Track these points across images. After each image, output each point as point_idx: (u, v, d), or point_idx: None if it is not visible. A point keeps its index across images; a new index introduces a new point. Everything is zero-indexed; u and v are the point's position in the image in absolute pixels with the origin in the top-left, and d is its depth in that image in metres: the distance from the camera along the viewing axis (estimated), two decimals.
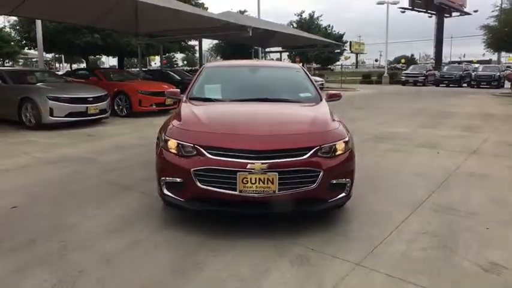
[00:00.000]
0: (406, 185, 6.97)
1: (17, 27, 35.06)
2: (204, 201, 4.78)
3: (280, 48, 43.83)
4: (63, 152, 9.50)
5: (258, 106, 6.12)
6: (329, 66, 68.76)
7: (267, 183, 4.52)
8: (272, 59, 41.72)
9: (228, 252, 4.38)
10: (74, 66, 73.80)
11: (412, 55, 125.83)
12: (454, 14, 65.43)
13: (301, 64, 41.74)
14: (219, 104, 6.35)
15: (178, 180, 4.80)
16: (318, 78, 35.66)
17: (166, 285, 3.77)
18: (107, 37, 31.69)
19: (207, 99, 6.47)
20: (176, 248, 4.52)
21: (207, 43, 56.21)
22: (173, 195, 4.90)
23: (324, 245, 4.58)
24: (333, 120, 5.54)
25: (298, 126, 5.30)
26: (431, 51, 70.59)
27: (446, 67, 50.51)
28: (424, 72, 47.15)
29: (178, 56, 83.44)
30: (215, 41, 50.47)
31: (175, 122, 5.37)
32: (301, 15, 57.89)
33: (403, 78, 47.47)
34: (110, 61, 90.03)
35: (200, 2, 38.87)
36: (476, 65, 53.42)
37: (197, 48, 38.87)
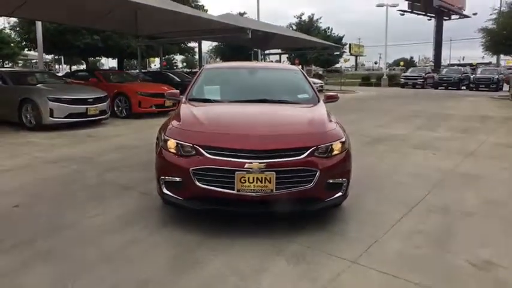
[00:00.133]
0: (402, 186, 7.06)
1: (17, 29, 35.07)
2: (203, 200, 4.87)
3: (279, 51, 44.00)
4: (64, 152, 9.58)
5: (256, 107, 6.21)
6: (338, 68, 68.61)
7: (265, 183, 4.60)
8: (271, 61, 41.84)
9: (226, 251, 4.46)
10: (74, 67, 73.81)
11: (412, 57, 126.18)
12: (453, 16, 65.60)
13: (300, 66, 41.94)
14: (218, 105, 6.43)
15: (177, 179, 4.89)
16: (317, 80, 35.76)
17: (166, 283, 3.85)
18: (107, 39, 31.78)
19: (206, 100, 6.55)
20: (175, 246, 4.60)
21: (207, 45, 56.27)
22: (172, 194, 4.98)
23: (321, 243, 4.66)
24: (330, 121, 5.62)
25: (296, 127, 5.40)
26: (430, 53, 70.67)
27: (445, 70, 50.59)
28: (423, 74, 47.23)
29: (178, 58, 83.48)
30: (215, 43, 50.52)
31: (174, 123, 5.45)
32: (301, 18, 57.88)
33: (402, 80, 47.53)
34: (109, 63, 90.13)
35: (200, 4, 39.02)
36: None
37: (197, 50, 39.01)
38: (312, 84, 7.24)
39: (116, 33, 29.98)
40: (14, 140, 11.09)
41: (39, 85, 14.01)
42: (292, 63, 45.26)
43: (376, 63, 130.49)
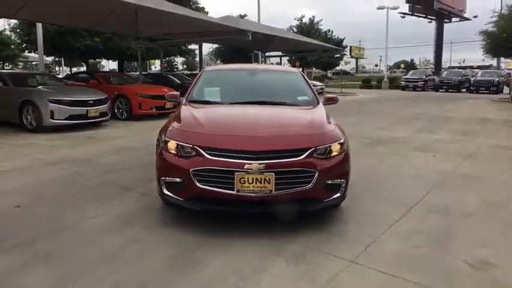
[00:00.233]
0: (401, 187, 7.09)
1: (17, 30, 35.12)
2: (203, 201, 4.89)
3: (280, 53, 43.99)
4: (64, 154, 9.61)
5: (256, 109, 6.24)
6: (345, 70, 68.37)
7: (264, 183, 4.63)
8: (272, 64, 41.87)
9: (226, 251, 4.49)
10: (74, 69, 73.87)
11: (412, 60, 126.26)
12: (453, 19, 65.69)
13: (301, 69, 41.96)
14: (218, 106, 6.46)
15: (177, 180, 4.92)
16: (317, 83, 35.81)
17: (166, 282, 3.87)
18: (107, 40, 31.81)
19: (206, 102, 6.59)
20: (175, 246, 4.62)
21: (207, 47, 56.37)
22: (172, 195, 5.01)
23: (320, 243, 4.69)
24: (329, 122, 5.65)
25: (295, 128, 5.43)
26: (431, 56, 70.70)
27: (445, 72, 50.63)
28: (424, 77, 47.29)
29: (179, 60, 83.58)
30: (215, 45, 50.59)
31: (175, 124, 5.49)
32: (301, 20, 58.00)
33: (403, 83, 47.59)
34: (109, 65, 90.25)
35: (200, 6, 39.07)
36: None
37: (197, 52, 39.04)
38: (312, 86, 7.27)
39: (116, 35, 30.03)
40: (15, 142, 11.13)
41: (39, 87, 14.05)
42: (293, 66, 45.34)
43: (376, 65, 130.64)
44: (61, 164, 8.57)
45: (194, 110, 5.96)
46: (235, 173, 4.63)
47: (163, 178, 5.08)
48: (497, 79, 40.96)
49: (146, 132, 12.98)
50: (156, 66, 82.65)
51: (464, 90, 43.33)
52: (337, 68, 67.56)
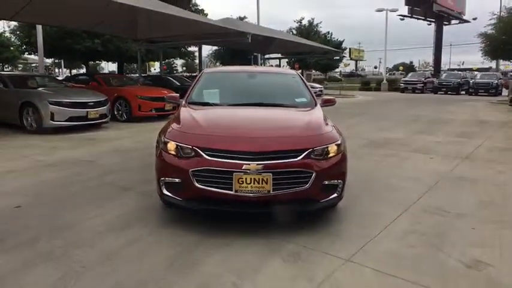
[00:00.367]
0: (398, 188, 7.16)
1: (17, 32, 35.17)
2: (202, 201, 4.97)
3: (279, 55, 44.03)
4: (64, 155, 9.68)
5: (254, 110, 6.32)
6: (354, 72, 68.16)
7: (262, 184, 4.70)
8: (271, 66, 41.90)
9: (224, 250, 4.56)
10: (74, 71, 73.91)
11: (411, 62, 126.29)
12: (453, 21, 65.68)
13: (300, 71, 41.98)
14: (217, 108, 6.54)
15: (177, 180, 4.99)
16: (316, 85, 35.84)
17: (165, 280, 3.94)
18: (107, 42, 31.86)
19: (205, 104, 6.66)
20: (175, 245, 4.69)
21: (207, 49, 56.51)
22: (172, 195, 5.09)
23: (316, 243, 4.76)
24: (326, 124, 5.73)
25: (293, 130, 5.50)
26: (430, 58, 70.76)
27: (444, 74, 50.65)
28: (423, 79, 47.25)
29: (178, 62, 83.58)
30: (215, 47, 50.64)
31: (174, 125, 5.56)
32: (301, 22, 58.06)
33: (402, 85, 47.52)
34: (109, 66, 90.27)
35: (200, 8, 39.13)
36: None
37: (197, 54, 39.13)
38: (310, 88, 7.34)
39: (116, 37, 30.08)
40: (15, 143, 11.20)
41: (40, 89, 14.16)
42: (292, 68, 45.38)
43: (375, 67, 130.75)
44: (61, 165, 8.64)
45: (193, 112, 6.03)
46: (234, 174, 4.70)
47: (162, 178, 5.15)
48: (496, 81, 40.95)
49: (146, 133, 13.06)
50: (155, 68, 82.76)
51: (463, 92, 43.29)
52: (336, 70, 67.55)
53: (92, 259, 4.34)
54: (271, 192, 4.74)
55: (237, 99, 6.78)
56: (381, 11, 49.95)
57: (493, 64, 60.69)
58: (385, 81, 52.78)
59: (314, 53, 41.65)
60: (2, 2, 15.40)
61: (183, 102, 6.67)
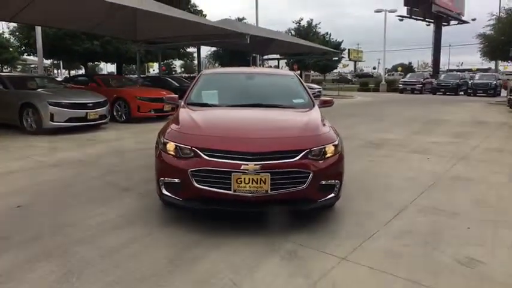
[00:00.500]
0: (395, 188, 7.25)
1: (17, 34, 35.23)
2: (201, 201, 5.05)
3: (278, 56, 44.11)
4: (64, 155, 9.76)
5: (252, 111, 6.40)
6: (366, 73, 67.93)
7: (260, 183, 4.79)
8: (270, 66, 41.95)
9: (222, 249, 4.65)
10: (73, 72, 73.92)
11: (410, 63, 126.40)
12: (452, 22, 65.74)
13: (298, 72, 42.07)
14: (216, 109, 6.63)
15: (176, 180, 5.07)
16: (315, 86, 35.92)
17: (165, 277, 4.03)
18: (106, 44, 31.94)
19: (204, 105, 6.74)
20: (174, 244, 4.78)
21: (206, 50, 56.46)
22: (171, 195, 5.17)
23: (313, 241, 4.85)
24: (324, 125, 5.81)
25: (290, 130, 5.59)
26: (429, 59, 70.83)
27: (443, 75, 50.73)
28: (422, 80, 47.39)
29: (177, 63, 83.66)
30: (213, 48, 50.70)
31: (173, 126, 5.64)
32: (300, 23, 58.12)
33: (401, 86, 47.65)
34: (108, 67, 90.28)
35: (199, 9, 39.18)
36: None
37: (195, 55, 39.15)
38: (308, 89, 7.42)
39: (115, 38, 30.15)
40: (16, 144, 11.28)
41: (39, 90, 14.23)
42: (291, 69, 45.50)
43: (374, 68, 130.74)
44: (61, 165, 8.72)
45: (192, 113, 6.11)
46: (232, 174, 4.78)
47: (162, 179, 5.23)
48: (494, 82, 41.02)
49: (145, 134, 13.14)
50: (154, 69, 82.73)
51: (462, 93, 43.39)
52: (335, 70, 67.58)
53: (94, 256, 4.43)
54: (269, 192, 4.83)
55: (235, 100, 6.86)
56: (380, 11, 50.03)
57: (492, 65, 60.76)
58: (383, 82, 52.87)
59: (313, 53, 41.73)
60: (2, 3, 15.48)
61: (182, 103, 6.75)
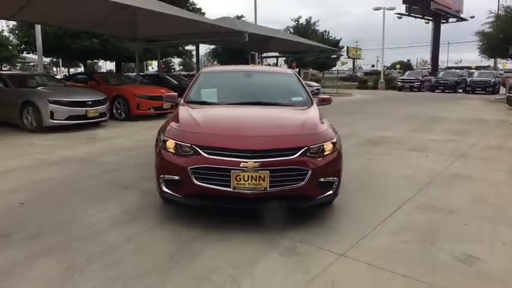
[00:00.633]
0: (393, 185, 7.30)
1: (16, 32, 35.22)
2: (200, 198, 5.10)
3: (277, 54, 44.12)
4: (64, 153, 9.80)
5: (251, 109, 6.45)
6: (377, 70, 67.57)
7: (259, 181, 4.83)
8: (269, 64, 41.98)
9: (222, 245, 4.70)
10: (72, 70, 73.90)
11: (409, 60, 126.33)
12: (450, 20, 65.70)
13: (297, 70, 42.08)
14: (215, 107, 6.67)
15: (176, 177, 5.12)
16: (314, 83, 35.95)
17: (166, 272, 4.08)
18: (105, 42, 31.94)
19: (203, 103, 6.79)
20: (174, 240, 4.83)
21: (204, 48, 56.38)
22: (171, 192, 5.21)
23: (312, 238, 4.90)
24: (322, 122, 5.86)
25: (289, 128, 5.63)
26: (428, 56, 70.88)
27: (441, 73, 50.76)
28: (420, 78, 47.44)
29: (176, 61, 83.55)
30: (212, 46, 50.71)
31: (173, 124, 5.69)
32: (298, 21, 58.14)
33: (399, 83, 47.70)
34: (107, 65, 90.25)
35: (197, 7, 39.19)
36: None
37: (194, 53, 39.14)
38: (306, 87, 7.46)
39: (114, 36, 30.16)
40: (16, 142, 11.33)
41: (39, 88, 14.29)
42: (290, 67, 45.49)
43: (373, 66, 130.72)
44: (62, 163, 8.77)
45: (192, 111, 6.15)
46: (232, 171, 4.83)
47: (162, 176, 5.27)
48: (493, 80, 41.06)
49: (144, 132, 13.19)
50: (153, 67, 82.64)
51: (461, 90, 43.40)
52: (334, 68, 67.63)
53: (95, 252, 4.47)
54: (268, 189, 4.87)
55: (234, 98, 6.90)
56: (379, 9, 50.10)
57: (491, 62, 60.82)
58: (382, 79, 52.90)
59: (311, 51, 41.74)
60: (2, 1, 15.49)
61: (182, 101, 6.79)
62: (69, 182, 7.38)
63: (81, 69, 61.69)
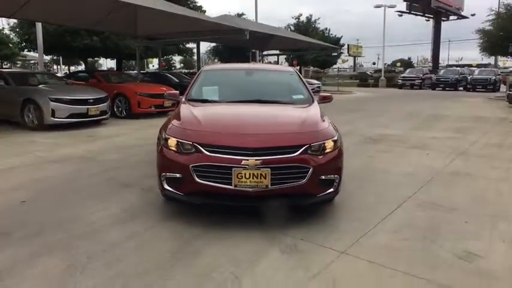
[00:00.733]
0: (394, 183, 7.31)
1: (17, 30, 35.24)
2: (202, 195, 5.12)
3: (277, 51, 44.11)
4: (66, 151, 9.81)
5: (252, 107, 6.47)
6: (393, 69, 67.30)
7: (260, 178, 4.85)
8: (270, 62, 41.97)
9: (223, 242, 4.71)
10: (72, 68, 73.90)
11: (409, 58, 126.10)
12: (451, 17, 65.73)
13: (298, 67, 42.06)
14: (216, 105, 6.68)
15: (177, 175, 5.13)
16: (315, 81, 35.94)
17: (167, 270, 4.10)
18: (106, 39, 31.97)
19: (204, 101, 6.80)
20: (176, 238, 4.85)
21: (205, 46, 56.33)
22: (173, 190, 5.23)
23: (313, 236, 4.91)
24: (323, 120, 5.87)
25: (290, 126, 5.65)
26: (429, 54, 70.82)
27: (442, 71, 50.72)
28: (421, 75, 47.43)
29: (176, 59, 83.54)
30: (213, 44, 50.68)
31: (175, 122, 5.70)
32: (299, 19, 58.02)
33: (400, 81, 47.69)
34: (107, 63, 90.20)
35: (198, 4, 39.20)
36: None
37: (195, 51, 39.14)
38: (307, 85, 7.47)
39: (114, 34, 30.18)
40: (18, 140, 11.34)
41: (40, 86, 14.27)
42: (291, 64, 45.45)
43: (374, 63, 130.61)
44: (63, 161, 8.78)
45: (193, 109, 6.17)
46: (233, 169, 4.84)
47: (164, 174, 5.29)
48: (493, 77, 41.01)
49: (145, 130, 13.21)
50: (153, 64, 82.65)
51: (461, 88, 43.36)
52: (335, 66, 67.52)
53: (96, 251, 4.49)
54: (269, 186, 4.88)
55: (235, 96, 6.91)
56: (379, 7, 50.06)
57: (492, 60, 60.75)
58: (383, 77, 52.88)
59: (312, 49, 41.72)
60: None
61: (183, 99, 6.80)
62: (70, 180, 7.39)
63: (81, 67, 61.70)
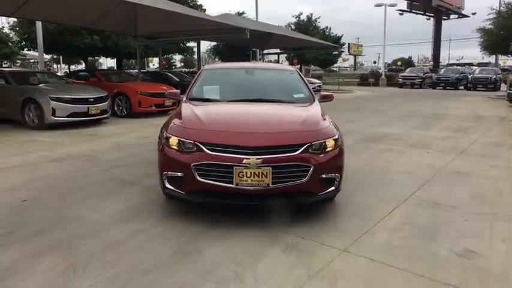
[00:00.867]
0: (394, 182, 7.33)
1: (17, 29, 35.24)
2: (203, 194, 5.14)
3: (278, 50, 44.09)
4: (67, 150, 9.83)
5: (253, 106, 6.49)
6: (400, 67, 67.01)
7: (261, 177, 4.87)
8: (270, 61, 41.97)
9: (225, 241, 4.74)
10: (72, 67, 73.91)
11: (410, 57, 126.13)
12: (452, 16, 65.77)
13: (298, 66, 42.06)
14: (217, 104, 6.71)
15: (179, 174, 5.15)
16: (315, 80, 35.93)
17: (169, 268, 4.12)
18: (106, 39, 31.98)
19: (205, 100, 6.82)
20: (177, 236, 4.87)
21: (205, 45, 56.34)
22: (174, 189, 5.25)
23: (314, 234, 4.94)
24: (324, 119, 5.89)
25: (291, 125, 5.67)
26: (429, 53, 70.85)
27: (443, 69, 50.66)
28: (421, 74, 47.36)
29: (177, 58, 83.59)
30: (213, 43, 50.69)
31: (176, 121, 5.72)
32: (299, 17, 58.01)
33: (401, 80, 47.64)
34: (108, 62, 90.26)
35: (198, 4, 39.20)
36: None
37: (195, 49, 39.17)
38: (308, 84, 7.48)
39: (115, 33, 30.20)
40: (18, 139, 11.35)
41: (41, 85, 14.28)
42: (291, 63, 45.48)
43: (374, 62, 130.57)
44: (64, 160, 8.80)
45: (194, 108, 6.18)
46: (234, 168, 4.86)
47: (165, 173, 5.31)
48: (494, 76, 40.95)
49: (146, 129, 13.24)
50: (154, 63, 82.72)
51: (462, 87, 43.32)
52: (335, 65, 67.53)
53: (99, 249, 4.51)
54: (270, 185, 4.90)
55: (236, 95, 6.93)
56: (380, 5, 50.03)
57: (492, 59, 60.74)
58: (383, 76, 52.86)
59: (313, 48, 41.71)
60: None
61: (184, 98, 6.82)
62: (71, 179, 7.41)
63: (82, 66, 61.68)
